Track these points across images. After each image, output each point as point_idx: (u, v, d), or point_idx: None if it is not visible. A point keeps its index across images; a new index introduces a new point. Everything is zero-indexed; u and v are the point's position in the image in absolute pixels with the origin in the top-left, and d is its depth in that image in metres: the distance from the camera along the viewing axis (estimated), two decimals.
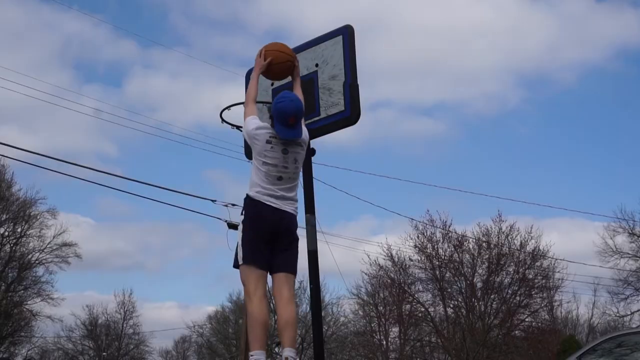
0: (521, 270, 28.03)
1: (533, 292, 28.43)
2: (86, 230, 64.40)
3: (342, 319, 43.17)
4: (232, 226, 20.16)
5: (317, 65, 5.87)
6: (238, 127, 6.00)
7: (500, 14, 64.84)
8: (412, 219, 29.53)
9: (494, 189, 78.02)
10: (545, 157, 65.74)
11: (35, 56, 65.48)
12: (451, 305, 29.17)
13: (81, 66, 74.20)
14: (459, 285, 28.94)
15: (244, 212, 4.56)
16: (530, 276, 28.34)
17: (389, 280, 30.92)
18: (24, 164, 42.82)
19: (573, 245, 56.69)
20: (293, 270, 4.59)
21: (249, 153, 6.52)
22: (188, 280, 78.43)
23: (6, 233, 37.10)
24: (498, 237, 28.35)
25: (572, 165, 68.49)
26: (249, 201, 4.54)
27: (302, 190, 5.88)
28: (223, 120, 5.69)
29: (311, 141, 5.94)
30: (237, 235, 4.57)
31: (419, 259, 29.27)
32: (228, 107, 5.71)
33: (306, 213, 5.75)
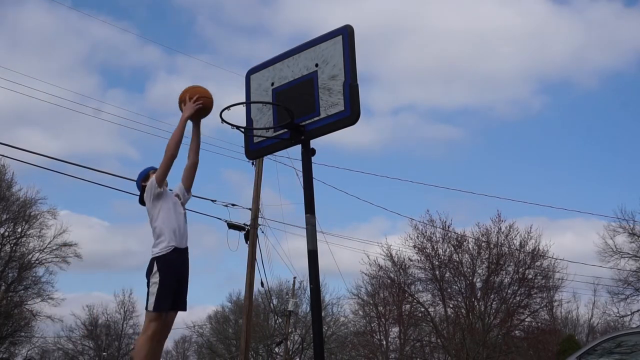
0: (521, 270, 28.03)
1: (533, 292, 28.41)
2: (99, 231, 65.01)
3: (342, 319, 43.24)
4: (232, 226, 20.21)
5: (317, 65, 5.87)
6: (238, 127, 6.01)
7: (526, 19, 64.43)
8: (412, 219, 29.55)
9: (497, 190, 78.09)
10: (555, 159, 65.78)
11: (64, 62, 66.40)
12: (451, 305, 29.16)
13: (106, 72, 74.96)
14: (459, 285, 28.93)
15: None
16: (530, 276, 28.33)
17: (388, 281, 30.93)
18: (32, 166, 43.13)
19: (576, 245, 56.74)
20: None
21: (249, 153, 6.54)
22: (198, 281, 78.86)
23: (6, 233, 37.09)
24: (497, 237, 28.37)
25: (572, 165, 68.58)
26: None
27: (302, 190, 5.88)
28: (223, 120, 5.69)
29: (311, 141, 5.95)
30: None
31: (419, 259, 29.30)
32: (228, 107, 5.70)
33: (306, 213, 5.75)
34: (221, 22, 73.33)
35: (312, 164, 5.91)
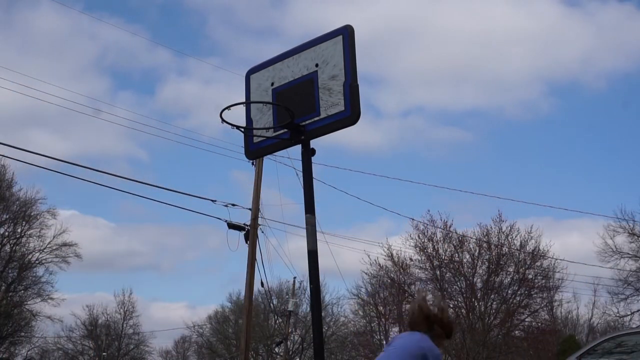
0: (521, 270, 28.04)
1: (533, 292, 28.42)
2: (105, 232, 65.20)
3: (342, 319, 43.27)
4: (232, 226, 20.17)
5: (317, 65, 5.87)
6: (238, 127, 6.00)
7: (536, 22, 64.20)
8: (413, 219, 29.55)
9: (505, 191, 78.15)
10: (563, 160, 65.67)
11: (75, 64, 66.79)
12: (451, 305, 29.14)
13: (117, 74, 75.18)
14: (459, 285, 28.93)
15: None
16: (530, 276, 28.34)
17: (389, 280, 30.94)
18: (39, 168, 43.15)
19: (582, 245, 56.59)
20: None
21: (249, 153, 6.54)
22: (198, 281, 79.12)
23: (6, 233, 37.14)
24: (498, 237, 28.36)
25: (578, 166, 68.60)
26: None
27: (302, 190, 5.88)
28: (223, 120, 5.68)
29: (312, 141, 5.95)
30: None
31: (420, 258, 29.30)
32: (228, 107, 5.69)
33: (306, 213, 5.76)
34: (231, 24, 73.52)
35: (313, 164, 5.92)
